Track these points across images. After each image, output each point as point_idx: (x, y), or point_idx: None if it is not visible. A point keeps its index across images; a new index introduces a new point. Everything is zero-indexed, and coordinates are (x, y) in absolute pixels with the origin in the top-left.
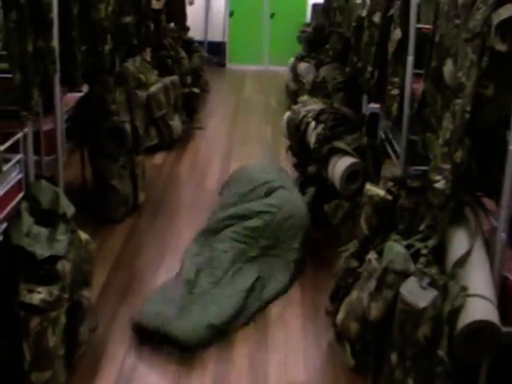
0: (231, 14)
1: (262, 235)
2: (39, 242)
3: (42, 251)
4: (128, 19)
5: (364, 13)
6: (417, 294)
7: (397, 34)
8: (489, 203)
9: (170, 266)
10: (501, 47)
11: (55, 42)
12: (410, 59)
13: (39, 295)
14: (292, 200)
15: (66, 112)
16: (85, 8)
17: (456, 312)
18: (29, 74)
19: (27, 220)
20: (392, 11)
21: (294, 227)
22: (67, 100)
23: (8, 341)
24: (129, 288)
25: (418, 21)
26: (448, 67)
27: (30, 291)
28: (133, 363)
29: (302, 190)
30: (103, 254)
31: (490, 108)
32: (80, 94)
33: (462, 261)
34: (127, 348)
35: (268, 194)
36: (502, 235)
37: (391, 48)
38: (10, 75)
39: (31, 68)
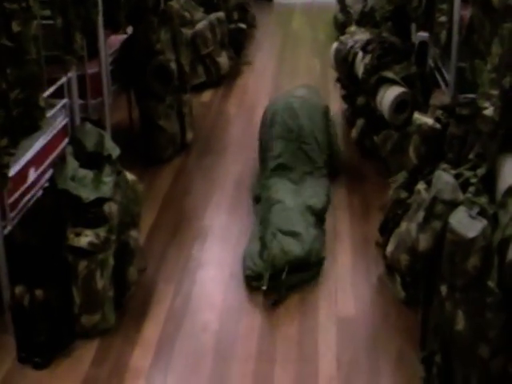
0: None
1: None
2: (85, 185)
3: (87, 194)
4: None
5: None
6: (466, 223)
7: None
8: None
9: (218, 204)
10: None
11: None
12: None
13: (86, 238)
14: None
15: (111, 54)
16: None
17: (506, 242)
18: (71, 18)
19: (72, 163)
20: None
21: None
22: (111, 42)
23: (58, 285)
24: (177, 228)
25: None
26: None
27: (78, 234)
28: (182, 303)
29: (352, 122)
30: (151, 195)
31: None
32: (124, 36)
33: None
34: (176, 288)
35: None
36: None
37: None
38: (52, 21)
39: (72, 12)
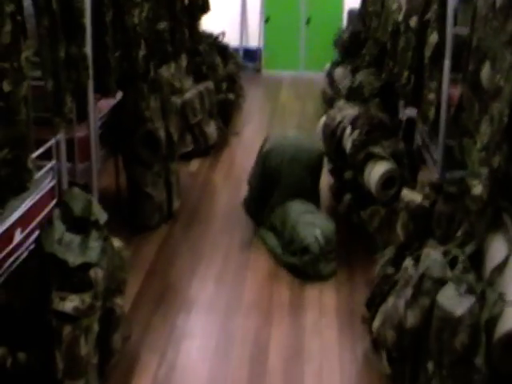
0: (267, 20)
1: None
2: (71, 250)
3: (74, 259)
4: (162, 25)
5: (400, 17)
6: (454, 301)
7: (433, 37)
8: None
9: (204, 275)
10: None
11: (88, 49)
12: (447, 63)
13: (71, 303)
14: None
15: (100, 119)
16: (118, 14)
17: (494, 320)
18: (61, 81)
19: (59, 227)
20: (428, 15)
21: None
22: (101, 107)
23: (41, 348)
24: (163, 297)
25: (455, 24)
26: (486, 71)
27: (63, 299)
28: (166, 373)
29: (339, 197)
30: (137, 262)
31: None
32: (114, 101)
33: (501, 267)
34: (161, 357)
35: None
36: None
37: (428, 52)
38: (42, 82)
39: (64, 74)
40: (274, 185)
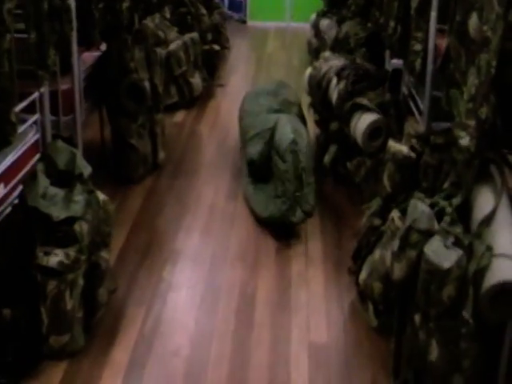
0: None
1: None
2: (55, 204)
3: (58, 213)
4: None
5: None
6: (441, 253)
7: None
8: None
9: (190, 227)
10: None
11: (71, 0)
12: (433, 14)
13: (56, 258)
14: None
15: (84, 71)
16: None
17: (481, 272)
18: (45, 33)
19: (43, 181)
20: None
21: None
22: (85, 59)
23: (26, 304)
24: (148, 249)
25: None
26: (473, 21)
27: (47, 254)
28: (153, 326)
29: (325, 147)
30: (122, 215)
31: None
32: (98, 53)
33: (488, 219)
34: (147, 310)
35: None
36: None
37: (414, 3)
38: (25, 35)
39: (47, 27)
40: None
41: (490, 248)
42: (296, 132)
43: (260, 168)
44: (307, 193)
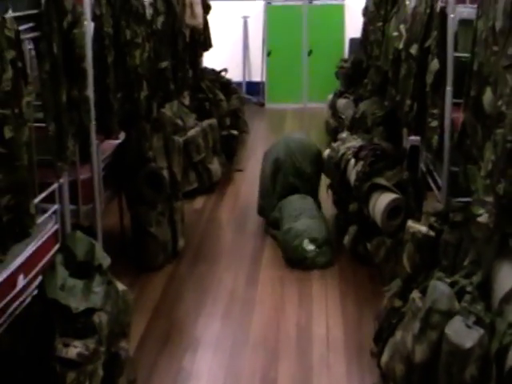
0: (269, 54)
1: None
2: (74, 295)
3: (77, 304)
4: (164, 64)
5: (401, 45)
6: (463, 333)
7: (434, 64)
8: None
9: (210, 313)
10: None
11: (90, 91)
12: (449, 90)
13: (75, 349)
14: None
15: (103, 160)
16: (120, 55)
17: (504, 350)
18: (63, 124)
19: (62, 272)
20: (429, 42)
21: None
22: (104, 148)
23: None
24: (168, 337)
25: (456, 50)
26: (487, 96)
27: (66, 345)
28: None
29: (344, 228)
30: (142, 303)
31: None
32: (117, 142)
33: (509, 296)
34: None
35: None
36: None
37: (429, 79)
38: (44, 124)
39: (66, 118)
40: (276, 176)
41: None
42: None
43: None
44: None
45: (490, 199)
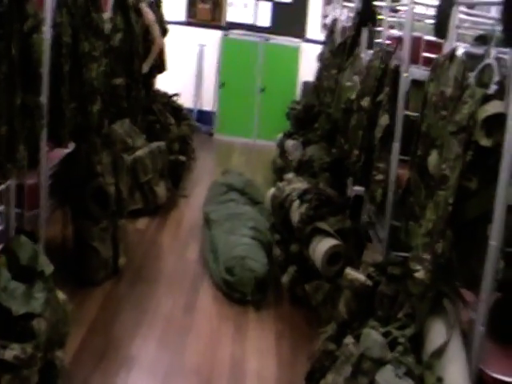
0: (222, 85)
1: None
2: (15, 298)
3: (17, 307)
4: (119, 81)
5: (353, 96)
6: (392, 383)
7: (384, 119)
8: (468, 295)
9: (146, 335)
10: (485, 142)
11: (44, 98)
12: (396, 145)
13: (12, 351)
14: None
15: (51, 168)
16: (76, 66)
17: None
18: (15, 128)
19: (4, 275)
20: (381, 97)
21: None
22: (53, 156)
23: None
24: (104, 354)
25: (406, 108)
26: (433, 158)
27: (4, 347)
28: None
29: (284, 268)
30: (79, 317)
31: (472, 201)
32: (66, 151)
33: (439, 351)
34: None
35: None
36: (480, 328)
37: (378, 133)
38: None
39: (18, 121)
40: None
41: (440, 379)
42: None
43: None
44: None
45: (427, 257)
